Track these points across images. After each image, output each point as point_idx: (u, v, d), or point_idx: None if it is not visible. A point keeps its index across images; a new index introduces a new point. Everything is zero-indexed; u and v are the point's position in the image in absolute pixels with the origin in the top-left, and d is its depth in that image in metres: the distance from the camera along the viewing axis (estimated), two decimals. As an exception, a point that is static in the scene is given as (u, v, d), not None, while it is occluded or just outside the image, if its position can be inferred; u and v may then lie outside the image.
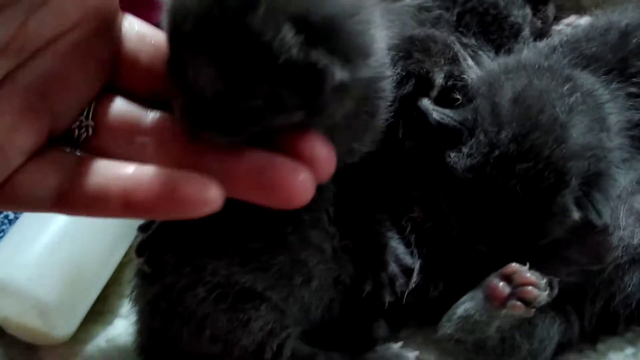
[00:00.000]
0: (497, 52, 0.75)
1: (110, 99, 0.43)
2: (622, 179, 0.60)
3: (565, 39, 0.69)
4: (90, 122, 0.42)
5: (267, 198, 0.38)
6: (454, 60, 0.61)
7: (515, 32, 0.77)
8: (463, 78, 0.59)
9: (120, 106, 0.42)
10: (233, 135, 0.38)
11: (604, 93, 0.61)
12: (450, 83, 0.59)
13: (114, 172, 0.39)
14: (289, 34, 0.34)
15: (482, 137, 0.54)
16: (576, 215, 0.54)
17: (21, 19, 0.37)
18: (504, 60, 0.65)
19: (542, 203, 0.53)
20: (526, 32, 0.78)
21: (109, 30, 0.42)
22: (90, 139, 0.42)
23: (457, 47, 0.61)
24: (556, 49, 0.68)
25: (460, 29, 0.75)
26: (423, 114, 0.57)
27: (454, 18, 0.75)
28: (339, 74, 0.36)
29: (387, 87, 0.50)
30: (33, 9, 0.37)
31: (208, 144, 0.39)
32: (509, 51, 0.76)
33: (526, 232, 0.55)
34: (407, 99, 0.59)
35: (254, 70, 0.35)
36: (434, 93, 0.59)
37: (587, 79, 0.61)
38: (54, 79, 0.40)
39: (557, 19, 0.87)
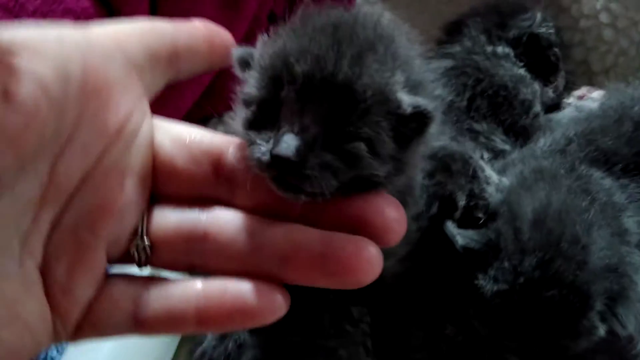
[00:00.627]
0: (508, 132, 0.77)
1: (160, 211, 0.44)
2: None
3: (580, 129, 0.70)
4: (146, 243, 0.43)
5: (333, 281, 0.39)
6: (474, 177, 0.62)
7: (526, 109, 0.79)
8: (484, 196, 0.60)
9: (170, 217, 0.43)
10: (324, 189, 0.40)
11: (622, 197, 0.62)
12: (472, 203, 0.60)
13: (183, 292, 0.41)
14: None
15: (506, 263, 0.55)
16: (602, 331, 0.55)
17: (49, 167, 0.38)
18: (520, 166, 0.65)
19: (569, 325, 0.54)
20: (537, 107, 0.80)
21: (139, 146, 0.43)
22: (151, 258, 0.43)
23: (475, 159, 0.62)
24: (572, 141, 0.69)
25: (472, 114, 0.76)
26: (448, 237, 0.58)
27: (465, 103, 0.76)
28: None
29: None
30: (57, 154, 0.38)
31: (265, 239, 0.40)
32: (522, 130, 0.77)
33: (554, 348, 0.57)
34: (433, 219, 0.60)
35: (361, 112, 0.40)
36: (458, 214, 0.60)
37: (604, 184, 0.62)
38: (98, 211, 0.41)
39: (568, 86, 0.88)
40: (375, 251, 0.39)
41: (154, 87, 0.46)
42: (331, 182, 0.40)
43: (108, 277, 0.42)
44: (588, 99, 0.82)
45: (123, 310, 0.41)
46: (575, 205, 0.57)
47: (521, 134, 0.76)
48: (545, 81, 0.85)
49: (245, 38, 0.92)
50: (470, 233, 0.58)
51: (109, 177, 0.41)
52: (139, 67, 0.44)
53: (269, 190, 0.41)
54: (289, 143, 0.39)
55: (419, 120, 0.42)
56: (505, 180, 0.64)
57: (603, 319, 0.56)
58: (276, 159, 0.39)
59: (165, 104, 0.84)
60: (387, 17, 0.47)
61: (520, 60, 0.82)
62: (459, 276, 0.60)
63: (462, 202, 0.60)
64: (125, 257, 0.43)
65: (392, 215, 0.40)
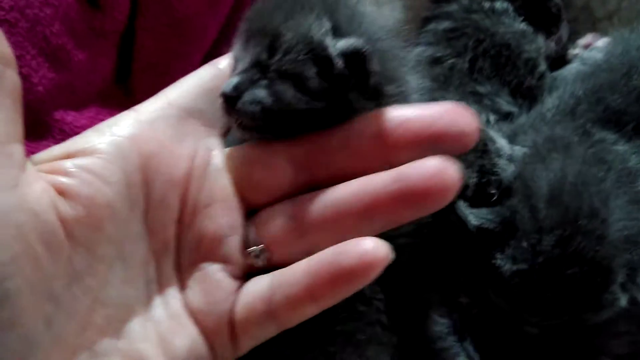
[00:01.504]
0: (514, 93, 0.74)
1: (261, 215, 0.48)
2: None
3: (588, 87, 0.68)
4: (260, 247, 0.48)
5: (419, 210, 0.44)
6: (485, 150, 0.60)
7: (530, 68, 0.76)
8: (496, 171, 0.58)
9: (272, 216, 0.48)
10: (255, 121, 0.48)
11: (636, 161, 0.60)
12: (484, 179, 0.59)
13: (293, 272, 0.46)
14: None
15: (524, 243, 0.54)
16: (624, 301, 0.55)
17: (143, 229, 0.46)
18: (532, 135, 0.63)
19: (591, 300, 0.54)
20: (542, 65, 0.77)
21: (214, 174, 0.48)
22: (271, 258, 0.48)
23: (485, 131, 0.60)
24: (581, 101, 0.67)
25: (475, 76, 0.74)
26: (461, 218, 0.57)
27: (467, 65, 0.74)
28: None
29: None
30: (144, 218, 0.46)
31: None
32: (528, 91, 0.75)
33: (576, 320, 0.56)
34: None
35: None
36: (469, 193, 0.58)
37: (617, 149, 0.60)
38: (203, 243, 0.47)
39: (572, 35, 0.85)
40: (450, 165, 0.42)
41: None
42: (260, 115, 0.47)
43: (237, 289, 0.47)
44: (594, 49, 0.79)
45: (260, 311, 0.45)
46: (591, 175, 0.56)
47: (527, 96, 0.74)
48: (548, 33, 0.81)
49: (233, 10, 0.88)
50: (483, 212, 0.57)
51: (197, 215, 0.47)
52: (198, 112, 0.50)
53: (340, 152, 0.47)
54: (227, 83, 0.47)
55: (354, 60, 0.46)
56: (518, 149, 0.62)
57: (624, 289, 0.55)
58: (224, 97, 0.47)
59: (158, 91, 0.81)
60: None
61: (520, 15, 0.79)
62: (474, 255, 0.59)
63: (473, 179, 0.58)
64: (248, 266, 0.48)
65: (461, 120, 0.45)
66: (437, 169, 0.42)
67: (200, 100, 0.51)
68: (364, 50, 0.46)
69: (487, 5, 0.78)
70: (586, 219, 0.53)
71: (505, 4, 0.78)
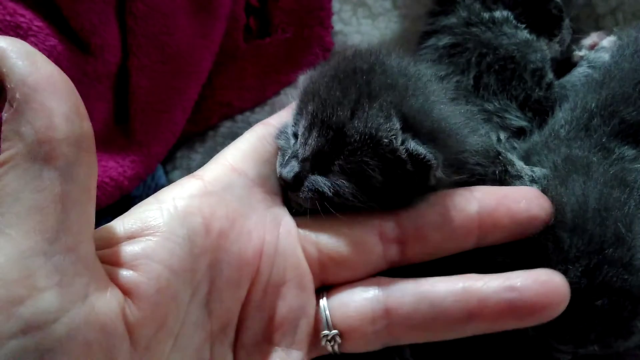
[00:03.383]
0: (522, 107, 0.72)
1: (337, 298, 0.47)
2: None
3: (600, 99, 0.66)
4: (335, 332, 0.46)
5: (525, 322, 0.44)
6: (505, 176, 0.58)
7: (538, 80, 0.74)
8: None
9: (349, 302, 0.46)
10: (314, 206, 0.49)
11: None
12: None
13: None
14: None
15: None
16: (656, 326, 0.53)
17: (204, 314, 0.43)
18: (549, 155, 0.61)
19: (620, 328, 0.53)
20: (549, 75, 0.75)
21: (284, 254, 0.47)
22: (343, 345, 0.46)
23: (503, 154, 0.58)
24: (594, 115, 0.65)
25: (481, 93, 0.72)
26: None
27: (471, 82, 0.72)
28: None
29: None
30: (206, 301, 0.44)
31: None
32: (537, 104, 0.73)
33: (606, 348, 0.55)
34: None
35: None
36: None
37: (638, 167, 0.58)
38: (268, 326, 0.46)
39: (575, 36, 0.82)
40: (559, 279, 0.44)
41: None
42: (320, 202, 0.48)
43: None
44: (600, 49, 0.77)
45: None
46: (614, 199, 0.54)
47: (537, 109, 0.72)
48: (550, 35, 0.79)
49: (226, 37, 0.87)
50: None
51: (267, 294, 0.46)
52: (261, 179, 0.49)
53: (436, 230, 0.48)
54: (288, 168, 0.49)
55: (418, 165, 0.48)
56: (538, 170, 0.60)
57: (653, 312, 0.54)
58: (281, 178, 0.50)
59: (158, 129, 0.80)
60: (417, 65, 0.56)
61: (521, 22, 0.76)
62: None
63: None
64: (316, 351, 0.47)
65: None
66: (550, 284, 0.43)
67: (263, 167, 0.50)
68: (430, 161, 0.47)
69: (486, 16, 0.75)
70: (612, 247, 0.51)
71: (505, 13, 0.76)
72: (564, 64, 0.80)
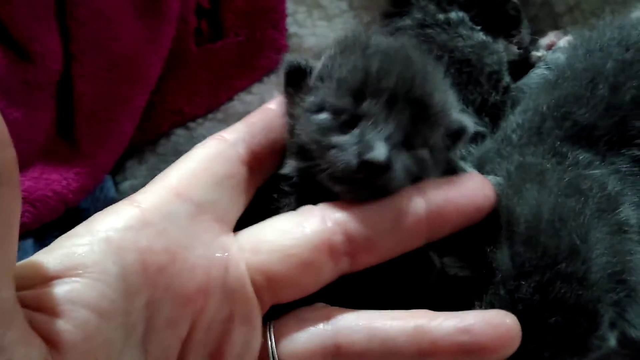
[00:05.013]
0: (479, 112, 0.71)
1: (286, 332, 0.45)
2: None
3: (552, 100, 0.64)
4: None
5: None
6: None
7: (494, 83, 0.72)
8: None
9: (298, 338, 0.44)
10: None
11: (615, 183, 0.57)
12: None
13: None
14: None
15: (502, 290, 0.50)
16: (613, 342, 0.52)
17: (141, 354, 0.40)
18: (502, 163, 0.59)
19: (576, 345, 0.51)
20: (505, 78, 0.73)
21: (231, 287, 0.43)
22: None
23: (456, 162, 0.57)
24: (546, 118, 0.63)
25: None
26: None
27: None
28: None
29: None
30: (143, 341, 0.39)
31: None
32: (494, 108, 0.71)
33: None
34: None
35: None
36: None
37: (594, 173, 0.56)
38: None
39: (534, 35, 0.81)
40: (511, 321, 0.44)
41: (237, 205, 0.47)
42: (405, 184, 0.48)
43: None
44: (557, 49, 0.75)
45: None
46: (568, 209, 0.52)
47: (493, 113, 0.70)
48: (508, 36, 0.77)
49: (176, 41, 0.83)
50: (458, 263, 0.53)
51: (211, 331, 0.42)
52: (209, 205, 0.44)
53: (387, 238, 0.46)
54: (380, 149, 0.45)
55: (458, 133, 0.53)
56: (491, 179, 0.58)
57: (613, 326, 0.52)
58: (366, 164, 0.45)
59: (105, 139, 0.77)
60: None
61: (478, 24, 0.74)
62: (453, 303, 0.55)
63: None
64: None
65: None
66: (502, 327, 0.43)
67: (212, 190, 0.45)
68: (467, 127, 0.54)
69: (441, 17, 0.73)
70: (566, 261, 0.49)
71: (460, 14, 0.74)
72: (523, 65, 0.78)
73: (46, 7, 0.72)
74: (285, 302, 0.46)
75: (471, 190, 0.49)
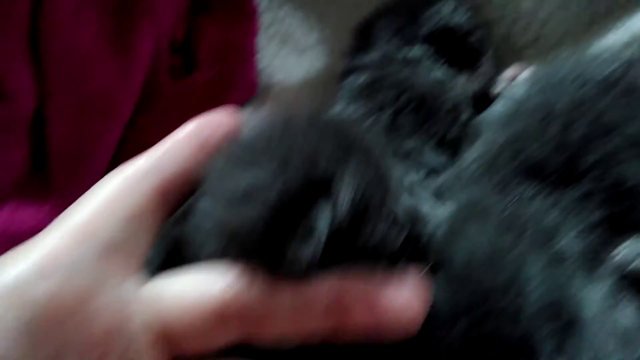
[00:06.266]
0: (439, 145, 0.72)
1: None
2: (595, 294, 0.58)
3: (507, 135, 0.65)
4: None
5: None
6: (413, 223, 0.57)
7: (454, 118, 0.73)
8: (424, 244, 0.55)
9: None
10: None
11: (554, 216, 0.58)
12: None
13: None
14: None
15: (438, 332, 0.51)
16: (557, 372, 0.52)
17: None
18: (455, 200, 0.61)
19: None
20: (465, 112, 0.74)
21: (135, 334, 0.41)
22: None
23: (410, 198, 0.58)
24: (500, 152, 0.64)
25: (397, 132, 0.71)
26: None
27: (387, 122, 0.71)
28: None
29: None
30: None
31: None
32: (454, 142, 0.72)
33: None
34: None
35: None
36: None
37: (532, 206, 0.57)
38: None
39: (497, 68, 0.83)
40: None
41: (147, 242, 0.44)
42: None
43: None
44: (518, 83, 0.77)
45: None
46: (504, 243, 0.53)
47: (453, 147, 0.71)
48: (471, 70, 0.79)
49: (150, 76, 0.86)
50: None
51: None
52: (119, 242, 0.41)
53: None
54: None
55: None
56: (444, 212, 0.60)
57: (553, 358, 0.53)
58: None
59: (79, 174, 0.79)
60: None
61: (439, 58, 0.76)
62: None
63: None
64: None
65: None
66: None
67: (121, 227, 0.42)
68: None
69: (403, 53, 0.75)
70: (499, 296, 0.50)
71: (422, 49, 0.76)
72: (485, 98, 0.80)
73: (19, 45, 0.74)
74: (189, 356, 0.43)
75: (401, 304, 0.45)
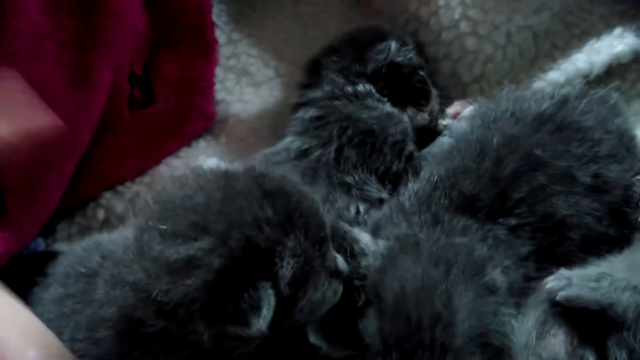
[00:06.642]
0: (382, 179, 0.75)
1: None
2: (525, 323, 0.61)
3: (443, 171, 0.68)
4: None
5: None
6: (351, 254, 0.59)
7: (397, 152, 0.76)
8: (362, 274, 0.58)
9: None
10: None
11: (484, 249, 0.60)
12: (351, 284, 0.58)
13: None
14: None
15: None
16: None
17: None
18: (389, 232, 0.63)
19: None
20: (409, 146, 0.77)
21: None
22: None
23: (349, 233, 0.60)
24: (436, 187, 0.67)
25: (342, 167, 0.74)
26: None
27: (333, 155, 0.74)
28: None
29: None
30: None
31: None
32: (397, 176, 0.75)
33: None
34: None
35: None
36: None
37: (462, 241, 0.60)
38: None
39: (443, 103, 0.86)
40: None
41: None
42: None
43: None
44: (461, 118, 0.80)
45: None
46: (433, 277, 0.56)
47: (397, 181, 0.74)
48: (417, 106, 0.82)
49: (109, 107, 0.87)
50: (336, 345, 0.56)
51: None
52: None
53: None
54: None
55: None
56: (382, 244, 0.62)
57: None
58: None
59: (32, 204, 0.80)
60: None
61: (384, 95, 0.79)
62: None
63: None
64: None
65: None
66: None
67: None
68: None
69: (349, 89, 0.78)
70: (427, 329, 0.52)
71: (367, 86, 0.79)
72: (431, 132, 0.83)
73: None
74: None
75: None
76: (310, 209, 0.54)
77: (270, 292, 0.48)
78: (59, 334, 0.58)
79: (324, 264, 0.54)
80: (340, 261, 0.57)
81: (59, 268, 0.67)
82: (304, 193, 0.54)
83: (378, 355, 0.53)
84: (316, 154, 0.74)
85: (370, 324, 0.54)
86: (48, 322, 0.60)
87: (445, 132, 0.80)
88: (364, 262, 0.60)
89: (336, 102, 0.77)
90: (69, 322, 0.59)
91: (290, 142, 0.77)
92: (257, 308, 0.47)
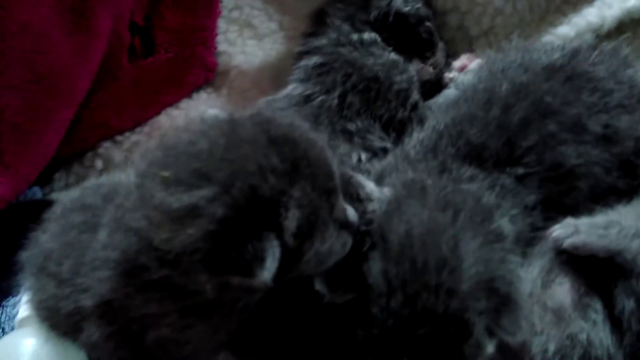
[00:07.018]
0: (386, 127, 0.73)
1: None
2: (530, 272, 0.60)
3: (450, 119, 0.67)
4: None
5: None
6: (358, 199, 0.58)
7: (402, 100, 0.75)
8: (367, 220, 0.56)
9: None
10: None
11: (491, 197, 0.59)
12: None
13: None
14: None
15: (374, 308, 0.52)
16: (491, 348, 0.53)
17: None
18: (395, 178, 0.62)
19: (451, 354, 0.52)
20: (414, 95, 0.76)
21: None
22: None
23: (355, 178, 0.58)
24: (442, 135, 0.66)
25: (344, 113, 0.72)
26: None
27: (336, 102, 0.72)
28: None
29: None
30: None
31: None
32: (401, 124, 0.74)
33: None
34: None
35: None
36: None
37: (470, 188, 0.59)
38: None
39: (450, 56, 0.84)
40: None
41: None
42: None
43: None
44: (468, 71, 0.78)
45: None
46: (440, 222, 0.54)
47: (400, 129, 0.73)
48: (423, 58, 0.80)
49: (108, 56, 0.86)
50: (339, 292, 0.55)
51: None
52: None
53: None
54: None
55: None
56: (387, 192, 0.61)
57: (491, 334, 0.53)
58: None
59: (28, 151, 0.78)
60: None
61: (390, 44, 0.77)
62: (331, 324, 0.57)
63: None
64: None
65: None
66: None
67: None
68: None
69: (355, 37, 0.76)
70: (433, 272, 0.51)
71: (373, 35, 0.77)
72: (437, 85, 0.81)
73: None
74: None
75: None
76: (319, 157, 0.51)
77: (275, 243, 0.46)
78: (59, 264, 0.56)
79: (332, 215, 0.52)
80: (351, 212, 0.55)
81: (60, 205, 0.65)
82: (313, 141, 0.52)
83: (382, 297, 0.52)
84: (319, 100, 0.73)
85: (374, 266, 0.53)
86: (49, 252, 0.58)
87: (452, 84, 0.78)
88: (369, 207, 0.59)
89: (341, 49, 0.75)
90: (71, 252, 0.58)
91: (293, 88, 0.75)
92: (261, 259, 0.45)
